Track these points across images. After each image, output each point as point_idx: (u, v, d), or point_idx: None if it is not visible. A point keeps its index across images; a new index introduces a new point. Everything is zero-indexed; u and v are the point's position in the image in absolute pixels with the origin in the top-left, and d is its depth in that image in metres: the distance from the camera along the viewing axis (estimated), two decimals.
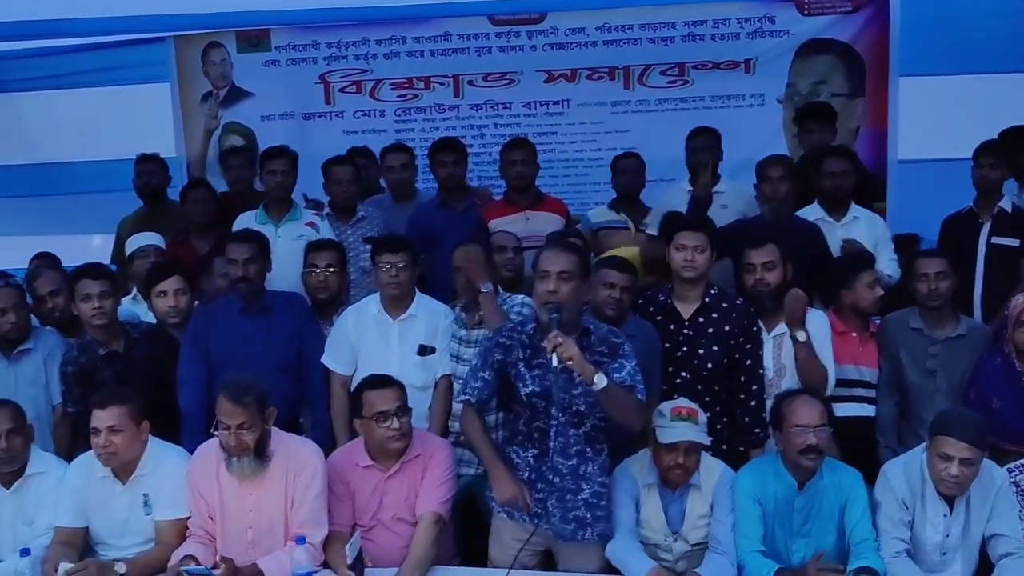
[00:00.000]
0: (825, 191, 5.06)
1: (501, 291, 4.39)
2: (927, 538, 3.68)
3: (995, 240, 5.07)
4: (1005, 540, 3.61)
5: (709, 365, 4.09)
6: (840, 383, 4.30)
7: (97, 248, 5.84)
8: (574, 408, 3.57)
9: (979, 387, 4.25)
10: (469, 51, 6.66)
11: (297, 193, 5.57)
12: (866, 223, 5.05)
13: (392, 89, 6.81)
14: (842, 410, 4.22)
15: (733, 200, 5.24)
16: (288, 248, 5.02)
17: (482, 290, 4.21)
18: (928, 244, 5.31)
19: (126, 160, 6.10)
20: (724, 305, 4.15)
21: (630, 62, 6.53)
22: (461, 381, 4.03)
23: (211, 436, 3.75)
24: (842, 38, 6.28)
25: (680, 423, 3.64)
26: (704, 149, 5.33)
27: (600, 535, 3.66)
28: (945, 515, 3.65)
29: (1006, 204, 5.12)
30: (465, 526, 4.15)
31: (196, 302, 4.76)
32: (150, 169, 6.00)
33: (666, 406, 3.73)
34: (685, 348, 4.13)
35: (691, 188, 5.13)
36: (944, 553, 3.69)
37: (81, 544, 3.88)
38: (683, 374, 4.12)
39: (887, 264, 4.86)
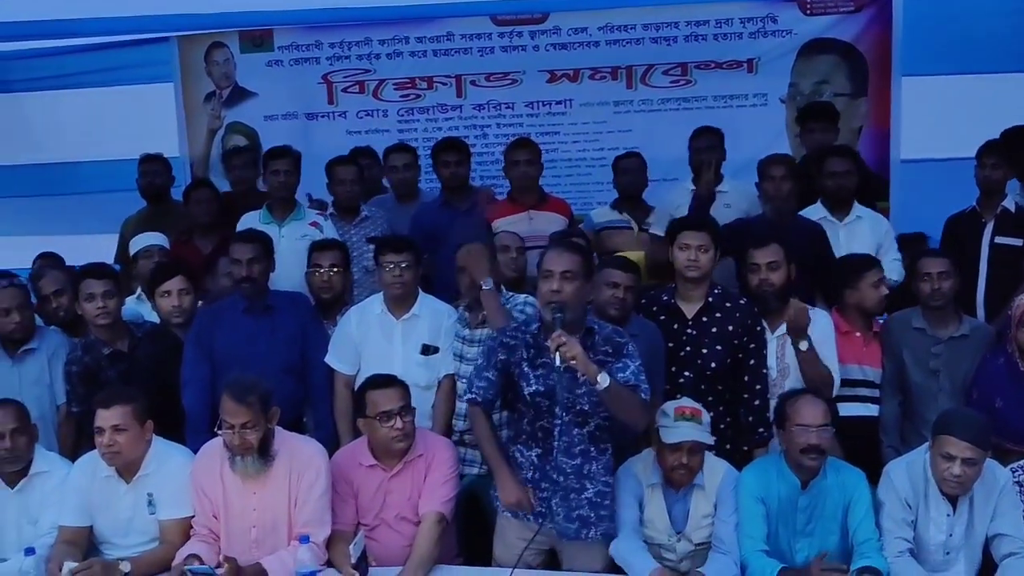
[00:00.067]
0: (827, 191, 5.05)
1: (504, 290, 4.39)
2: (930, 538, 3.68)
3: (998, 240, 5.07)
4: (1008, 540, 3.61)
5: (712, 365, 4.09)
6: (844, 383, 4.29)
7: (101, 248, 5.83)
8: (578, 407, 3.58)
9: (982, 387, 4.25)
10: (472, 51, 6.67)
11: (301, 193, 5.58)
12: (869, 223, 5.06)
13: (395, 89, 6.82)
14: (846, 410, 4.21)
15: (736, 200, 5.25)
16: (292, 248, 5.02)
17: (483, 287, 4.21)
18: (934, 243, 5.32)
19: (130, 160, 6.11)
20: (727, 305, 4.15)
21: (633, 62, 6.54)
22: (466, 380, 4.03)
23: (215, 436, 3.76)
24: (845, 38, 6.29)
25: (684, 423, 3.64)
26: (707, 149, 5.34)
27: (604, 534, 3.67)
28: (948, 515, 3.65)
29: (1009, 204, 5.12)
30: (468, 525, 4.16)
31: (200, 302, 4.76)
32: (154, 169, 6.01)
33: (669, 406, 3.73)
34: (688, 348, 4.13)
35: (694, 188, 5.14)
36: (947, 553, 3.69)
37: (85, 543, 3.88)
38: (686, 374, 4.12)
39: (890, 266, 4.85)
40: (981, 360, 4.30)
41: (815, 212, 5.04)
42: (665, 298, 4.24)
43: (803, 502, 3.72)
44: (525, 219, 5.31)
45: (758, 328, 4.18)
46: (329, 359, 4.46)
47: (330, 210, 5.64)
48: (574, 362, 3.35)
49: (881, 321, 4.60)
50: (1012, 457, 3.94)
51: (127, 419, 3.79)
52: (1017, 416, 4.10)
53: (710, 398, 4.02)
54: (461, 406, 4.25)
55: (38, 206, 7.06)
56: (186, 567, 3.54)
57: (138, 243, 5.27)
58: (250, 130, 6.98)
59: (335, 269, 4.70)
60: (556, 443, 3.59)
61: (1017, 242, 5.01)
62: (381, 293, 4.44)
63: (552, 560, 3.83)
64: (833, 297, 4.60)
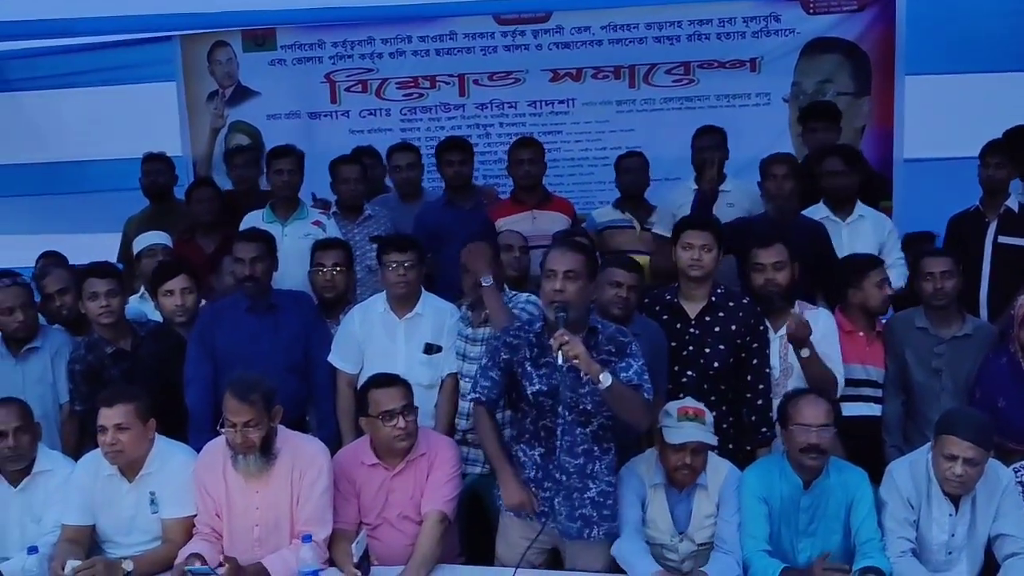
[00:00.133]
0: (825, 190, 5.06)
1: (507, 289, 4.39)
2: (932, 538, 3.68)
3: (1001, 239, 5.07)
4: (1011, 540, 3.61)
5: (715, 364, 4.09)
6: (847, 382, 4.28)
7: (103, 247, 5.84)
8: (581, 407, 3.58)
9: (985, 386, 4.24)
10: (474, 50, 6.67)
11: (305, 192, 5.58)
12: (871, 222, 5.05)
13: (398, 88, 6.83)
14: (849, 409, 4.22)
15: (739, 199, 5.24)
16: (295, 247, 5.03)
17: (483, 284, 4.21)
18: (942, 241, 5.32)
19: (133, 159, 6.11)
20: (731, 304, 4.15)
21: (635, 61, 6.54)
22: (470, 380, 4.03)
23: (218, 434, 3.77)
24: (848, 37, 6.29)
25: (687, 423, 3.64)
26: (710, 148, 5.33)
27: (607, 534, 3.67)
28: (950, 515, 3.65)
29: (1012, 203, 5.11)
30: (470, 525, 4.16)
31: (203, 301, 4.76)
32: (156, 168, 6.01)
33: (672, 406, 3.73)
34: (691, 347, 4.13)
35: (696, 187, 5.13)
36: (949, 553, 3.69)
37: (88, 542, 3.89)
38: (689, 373, 4.12)
39: (894, 267, 4.84)
40: (984, 360, 4.30)
41: (817, 211, 5.03)
42: (668, 297, 4.23)
43: (805, 502, 3.71)
44: (528, 218, 5.32)
45: (761, 327, 4.18)
46: (332, 358, 4.46)
47: (333, 209, 5.65)
48: (577, 361, 3.36)
49: (884, 320, 4.59)
50: (1015, 457, 3.94)
51: (130, 418, 3.79)
52: (1020, 416, 4.10)
53: (713, 398, 4.02)
54: (464, 405, 4.25)
55: (41, 205, 7.06)
56: (186, 567, 3.54)
57: (141, 242, 5.27)
58: (253, 129, 6.99)
59: (338, 268, 4.70)
60: (559, 442, 3.59)
61: (1020, 241, 5.01)
62: (384, 292, 4.44)
63: (555, 559, 3.83)
64: (835, 296, 4.59)
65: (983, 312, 4.99)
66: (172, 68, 6.97)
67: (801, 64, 6.37)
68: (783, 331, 4.21)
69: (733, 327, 4.10)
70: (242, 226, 5.10)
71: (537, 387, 3.58)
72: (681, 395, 3.92)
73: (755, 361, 4.14)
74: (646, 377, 3.55)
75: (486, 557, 3.94)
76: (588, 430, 3.62)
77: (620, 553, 3.65)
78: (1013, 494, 3.68)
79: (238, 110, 7.01)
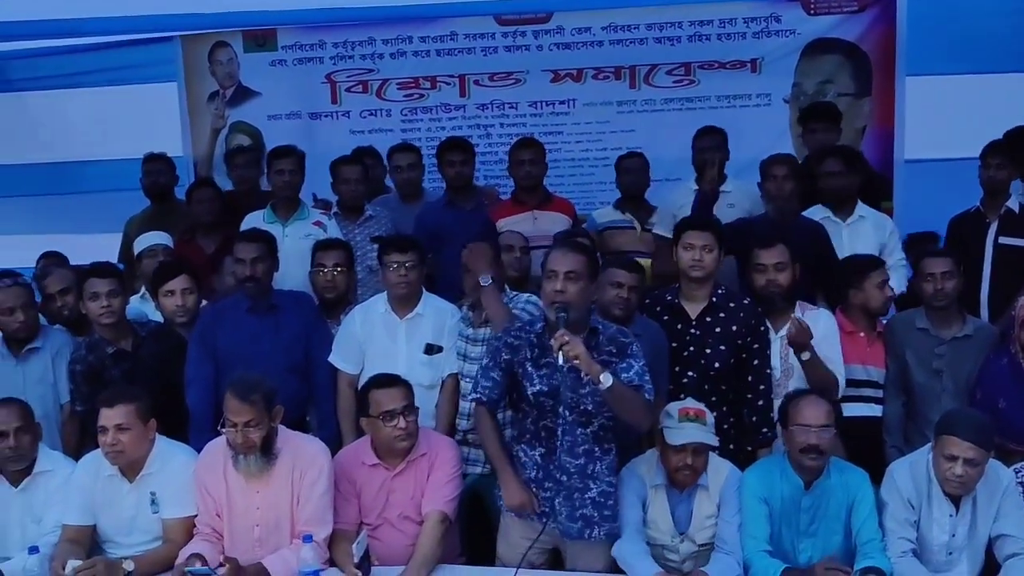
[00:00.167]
0: (822, 191, 5.06)
1: (508, 289, 4.39)
2: (933, 538, 3.68)
3: (1002, 240, 5.07)
4: (1012, 540, 3.61)
5: (716, 365, 4.09)
6: (848, 383, 4.28)
7: (104, 247, 5.84)
8: (582, 407, 3.58)
9: (986, 387, 4.24)
10: (475, 51, 6.67)
11: (306, 193, 5.59)
12: (872, 223, 5.05)
13: (398, 89, 6.83)
14: (850, 410, 4.23)
15: (740, 199, 5.24)
16: (295, 247, 5.04)
17: (482, 283, 4.22)
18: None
19: (134, 159, 6.11)
20: (731, 305, 4.15)
21: (636, 62, 6.54)
22: (471, 380, 4.04)
23: (219, 435, 3.77)
24: (848, 37, 6.28)
25: (688, 424, 3.64)
26: (711, 149, 5.33)
27: (607, 534, 3.67)
28: (951, 515, 3.65)
29: (1013, 204, 5.12)
30: (471, 525, 4.16)
31: (204, 301, 4.77)
32: (157, 168, 6.01)
33: (673, 407, 3.73)
34: (692, 348, 4.13)
35: (697, 187, 5.14)
36: (950, 553, 3.69)
37: (89, 542, 3.88)
38: (690, 373, 4.12)
39: (895, 269, 4.84)
40: (984, 360, 4.30)
41: (818, 212, 5.04)
42: (669, 298, 4.23)
43: (806, 502, 3.71)
44: (529, 219, 5.32)
45: (762, 328, 4.18)
46: (333, 358, 4.46)
47: (334, 209, 5.65)
48: (577, 361, 3.36)
49: (885, 321, 4.59)
50: (1015, 458, 3.94)
51: (130, 418, 3.79)
52: (1021, 416, 4.10)
53: (713, 398, 4.02)
54: (464, 405, 4.25)
55: (42, 205, 7.06)
56: (186, 568, 3.54)
57: (142, 242, 5.27)
58: (254, 130, 6.99)
59: (339, 268, 4.71)
60: (559, 443, 3.60)
61: (1021, 242, 5.01)
62: (385, 292, 4.44)
63: (556, 559, 3.83)
64: (836, 297, 4.60)
65: (984, 313, 5.00)
66: (173, 68, 6.97)
67: (802, 65, 6.37)
68: (784, 331, 4.21)
69: (734, 328, 4.10)
70: (243, 226, 5.10)
71: (538, 387, 3.58)
72: (682, 396, 3.92)
73: (756, 362, 4.14)
74: (647, 378, 3.55)
75: (487, 557, 3.95)
76: (589, 430, 3.62)
77: (620, 555, 3.65)
78: (1014, 495, 3.68)
79: (239, 110, 7.01)
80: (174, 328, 4.63)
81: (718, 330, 4.11)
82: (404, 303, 4.38)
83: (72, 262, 5.46)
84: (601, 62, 6.57)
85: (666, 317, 4.20)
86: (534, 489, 3.67)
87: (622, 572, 3.66)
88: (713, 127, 5.53)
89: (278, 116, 6.94)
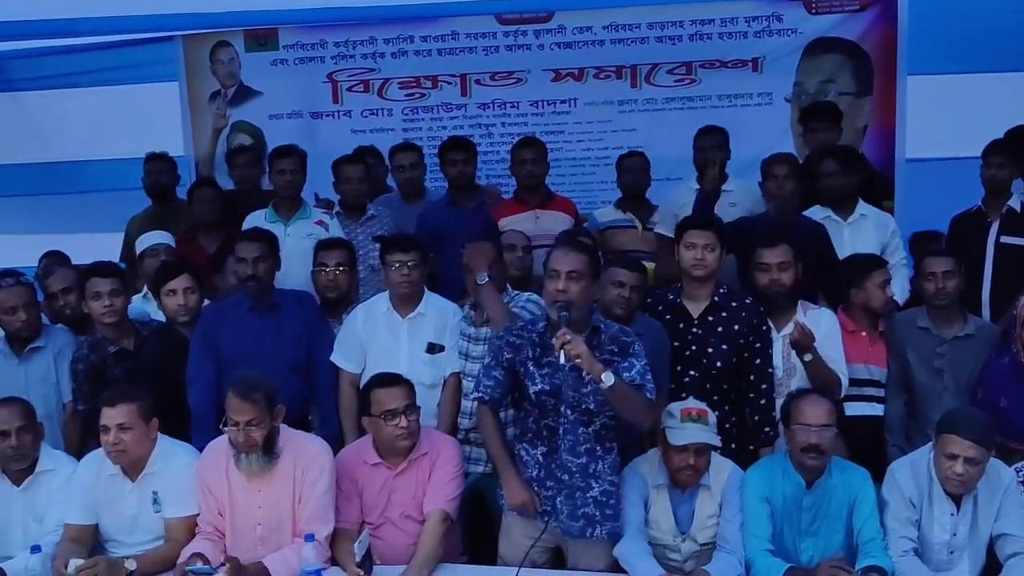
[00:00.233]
0: (823, 192, 5.06)
1: (509, 288, 4.40)
2: (934, 537, 3.69)
3: (1004, 239, 5.07)
4: (1013, 540, 3.61)
5: (718, 364, 4.09)
6: (850, 382, 4.28)
7: (106, 246, 5.84)
8: (583, 406, 3.58)
9: (987, 386, 4.24)
10: (476, 50, 6.66)
11: (308, 192, 5.59)
12: (873, 222, 5.05)
13: (400, 88, 6.82)
14: (852, 409, 4.23)
15: (741, 199, 5.24)
16: (297, 247, 5.04)
17: (478, 282, 4.22)
18: None
19: (135, 159, 6.12)
20: (733, 304, 4.15)
21: (637, 61, 6.53)
22: (473, 379, 4.04)
23: (221, 434, 3.77)
24: (850, 37, 6.27)
25: (690, 424, 3.65)
26: (712, 148, 5.32)
27: (609, 533, 3.67)
28: (952, 514, 3.65)
29: (1015, 203, 5.11)
30: (473, 524, 4.16)
31: (206, 300, 4.77)
32: (159, 168, 6.01)
33: (675, 407, 3.74)
34: (694, 347, 4.13)
35: (698, 187, 5.14)
36: (951, 552, 3.69)
37: (91, 541, 3.89)
38: (692, 373, 4.12)
39: (897, 270, 4.83)
40: (986, 360, 4.30)
41: (819, 211, 5.04)
42: (671, 297, 4.24)
43: (808, 501, 3.72)
44: (531, 218, 5.32)
45: (764, 327, 4.18)
46: (335, 357, 4.46)
47: (336, 209, 5.65)
48: (579, 360, 3.36)
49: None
50: (1016, 457, 3.95)
51: (132, 417, 3.79)
52: (1022, 416, 4.10)
53: (715, 397, 4.02)
54: (466, 404, 4.25)
55: (43, 205, 7.06)
56: (187, 568, 3.55)
57: (144, 242, 5.28)
58: (255, 129, 6.99)
59: (341, 268, 4.71)
60: (561, 442, 3.60)
61: (1022, 241, 5.00)
62: (387, 292, 4.45)
63: (558, 558, 3.83)
64: (837, 296, 4.60)
65: (985, 312, 4.99)
66: (174, 68, 6.96)
67: (803, 64, 6.36)
68: (786, 331, 4.21)
69: (736, 327, 4.11)
70: (245, 226, 5.10)
71: (540, 386, 3.58)
72: (684, 395, 3.92)
73: (758, 361, 4.14)
74: (648, 377, 3.56)
75: (488, 556, 3.95)
76: (591, 429, 3.63)
77: (623, 555, 3.65)
78: (1015, 494, 3.69)
79: (240, 110, 7.01)
80: (176, 327, 4.64)
81: (720, 329, 4.11)
82: (406, 302, 4.38)
83: (73, 262, 5.46)
84: (602, 61, 6.56)
85: (668, 316, 4.20)
86: (536, 488, 3.67)
87: (624, 571, 3.66)
88: (714, 126, 5.52)
89: (279, 116, 6.93)
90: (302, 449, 3.80)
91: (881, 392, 4.42)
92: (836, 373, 4.19)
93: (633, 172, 5.61)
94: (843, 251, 4.83)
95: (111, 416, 3.77)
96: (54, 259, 5.61)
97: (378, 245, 4.78)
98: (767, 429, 4.13)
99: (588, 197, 6.33)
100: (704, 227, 4.17)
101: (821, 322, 4.27)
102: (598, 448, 3.65)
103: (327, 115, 6.90)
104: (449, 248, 4.82)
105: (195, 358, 4.40)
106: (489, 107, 6.73)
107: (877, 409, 4.41)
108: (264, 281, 4.49)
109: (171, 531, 3.87)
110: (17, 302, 4.50)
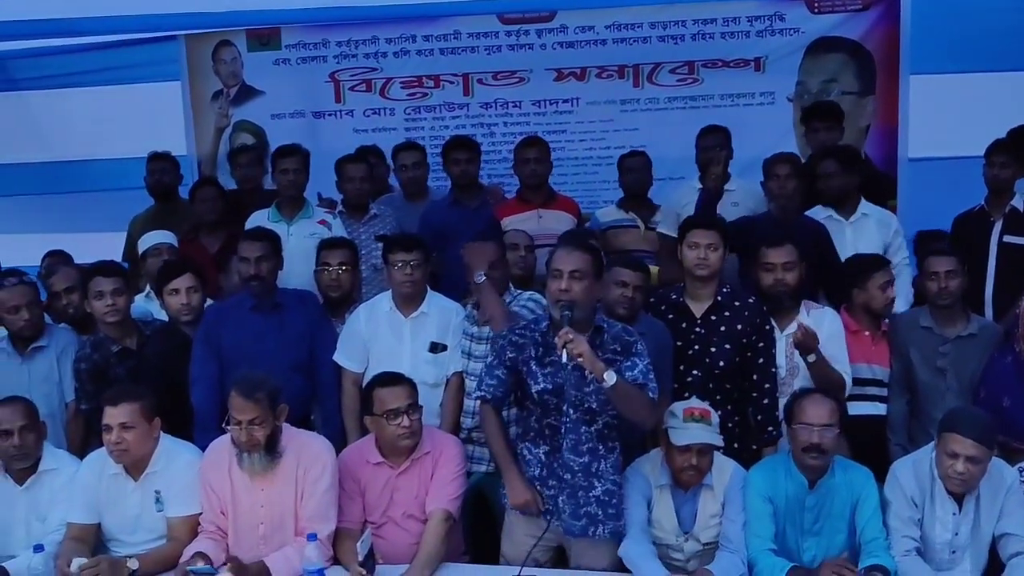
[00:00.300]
0: (823, 192, 5.06)
1: (512, 288, 4.40)
2: (936, 536, 3.68)
3: (1007, 239, 5.06)
4: (1015, 539, 3.61)
5: (721, 363, 4.09)
6: (853, 382, 4.28)
7: (109, 246, 5.85)
8: (586, 405, 3.59)
9: (990, 386, 4.24)
10: (479, 49, 6.67)
11: (311, 191, 5.59)
12: (876, 221, 5.05)
13: (402, 87, 6.83)
14: (854, 408, 4.23)
15: (743, 198, 5.24)
16: (300, 246, 5.04)
17: (476, 280, 4.22)
18: None
19: (138, 158, 6.12)
20: (736, 303, 4.15)
21: (640, 60, 6.53)
22: (475, 378, 4.04)
23: (223, 433, 3.77)
24: (852, 36, 6.27)
25: (693, 424, 3.64)
26: (714, 147, 5.31)
27: (611, 532, 3.67)
28: (954, 513, 3.65)
29: (1018, 203, 5.11)
30: (475, 523, 4.17)
31: (208, 300, 4.77)
32: (161, 167, 6.02)
33: (678, 407, 3.73)
34: (697, 346, 4.13)
35: (701, 186, 5.13)
36: (953, 551, 3.69)
37: (93, 540, 3.89)
38: (694, 372, 4.12)
39: (900, 270, 4.83)
40: (989, 359, 4.29)
41: (821, 211, 5.03)
42: (674, 296, 4.24)
43: (810, 501, 3.72)
44: (534, 217, 5.32)
45: (767, 327, 4.18)
46: (337, 357, 4.46)
47: (339, 208, 5.65)
48: (581, 359, 3.36)
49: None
50: (1019, 456, 3.94)
51: (135, 417, 3.80)
52: None
53: (718, 397, 4.03)
54: (469, 404, 4.25)
55: (46, 204, 7.08)
56: (189, 567, 3.55)
57: (147, 241, 5.27)
58: (257, 128, 7.00)
59: (344, 267, 4.71)
60: (564, 441, 3.61)
61: None
62: (390, 291, 4.44)
63: (560, 557, 3.84)
64: (838, 296, 4.59)
65: (988, 311, 4.99)
66: (176, 67, 6.98)
67: (805, 63, 6.36)
68: (789, 330, 4.21)
69: (739, 326, 4.11)
70: (247, 225, 5.10)
71: (542, 386, 3.58)
72: (686, 394, 3.92)
73: (761, 360, 4.14)
74: (651, 376, 3.56)
75: (491, 555, 3.95)
76: (593, 429, 3.63)
77: (628, 556, 3.65)
78: (1017, 493, 3.68)
79: (242, 109, 7.02)
80: (179, 327, 4.64)
81: (723, 329, 4.11)
82: (409, 302, 4.38)
83: (76, 261, 5.46)
84: (604, 61, 6.56)
85: (671, 316, 4.20)
86: (538, 487, 3.68)
87: (627, 570, 3.66)
88: (717, 126, 5.52)
89: (282, 115, 6.95)
90: (304, 448, 3.80)
91: (884, 392, 4.42)
92: (840, 373, 4.19)
93: (635, 172, 5.60)
94: (846, 250, 4.83)
95: (113, 415, 3.78)
96: (57, 258, 5.60)
97: (381, 244, 4.77)
98: (770, 429, 4.13)
99: (590, 197, 6.33)
100: (707, 227, 4.17)
101: (824, 322, 4.26)
102: (600, 447, 3.65)
103: (329, 115, 6.91)
104: (452, 247, 4.81)
105: (198, 357, 4.40)
106: (491, 107, 6.74)
107: (880, 409, 4.41)
108: (267, 280, 4.49)
109: (173, 530, 3.87)
110: (20, 301, 4.50)
